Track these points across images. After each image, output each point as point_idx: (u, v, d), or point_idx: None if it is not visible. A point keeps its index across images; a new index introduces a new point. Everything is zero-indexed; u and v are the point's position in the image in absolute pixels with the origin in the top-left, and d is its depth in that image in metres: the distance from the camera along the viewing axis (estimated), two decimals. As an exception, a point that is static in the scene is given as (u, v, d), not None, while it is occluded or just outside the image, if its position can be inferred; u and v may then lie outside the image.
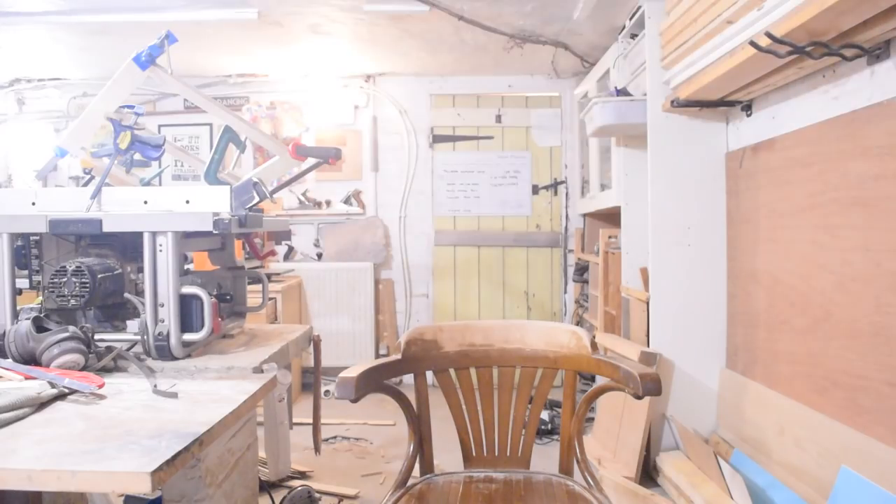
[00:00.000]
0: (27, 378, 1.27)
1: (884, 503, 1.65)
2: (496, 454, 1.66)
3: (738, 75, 2.13)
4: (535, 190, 4.63)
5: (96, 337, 1.49)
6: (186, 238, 1.60)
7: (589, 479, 1.55)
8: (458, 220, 4.69)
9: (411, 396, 1.64)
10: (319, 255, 4.67)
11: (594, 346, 1.63)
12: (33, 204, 1.59)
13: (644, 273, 2.95)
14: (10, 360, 1.37)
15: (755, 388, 2.45)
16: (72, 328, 1.40)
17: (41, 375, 1.27)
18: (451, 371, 1.69)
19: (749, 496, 2.13)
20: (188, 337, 1.54)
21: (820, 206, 2.06)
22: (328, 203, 4.70)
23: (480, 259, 4.67)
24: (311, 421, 2.14)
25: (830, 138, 2.00)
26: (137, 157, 1.85)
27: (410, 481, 1.57)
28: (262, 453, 2.45)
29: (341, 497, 2.65)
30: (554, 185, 4.60)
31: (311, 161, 2.22)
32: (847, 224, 1.92)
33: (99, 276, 1.48)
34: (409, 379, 1.68)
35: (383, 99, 4.68)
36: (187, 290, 1.54)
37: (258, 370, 1.49)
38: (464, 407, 1.66)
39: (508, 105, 4.66)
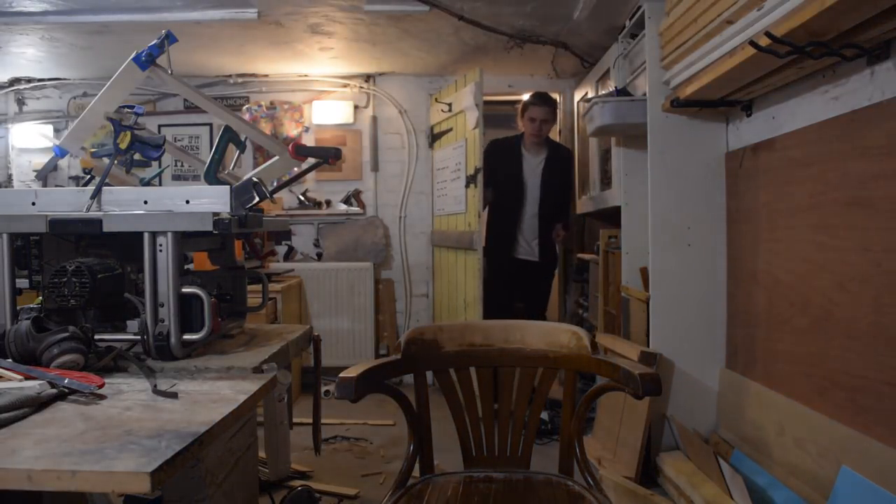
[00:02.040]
0: (27, 378, 1.27)
1: (884, 503, 1.65)
2: (496, 454, 1.66)
3: (738, 75, 2.12)
4: (467, 182, 3.89)
5: (96, 337, 1.49)
6: (186, 238, 1.60)
7: (589, 479, 1.55)
8: (440, 220, 4.47)
9: (411, 396, 1.64)
10: (319, 255, 4.67)
11: (594, 346, 1.63)
12: (33, 204, 1.59)
13: (644, 273, 2.95)
14: (10, 360, 1.37)
15: (755, 388, 2.45)
16: (72, 328, 1.40)
17: (41, 375, 1.27)
18: (452, 371, 1.69)
19: (749, 496, 2.13)
20: (188, 337, 1.54)
21: (820, 206, 2.06)
22: (328, 203, 4.70)
23: (443, 261, 4.31)
24: (311, 421, 2.14)
25: (830, 138, 2.00)
26: (137, 157, 1.85)
27: (410, 481, 1.57)
28: (262, 453, 2.45)
29: (341, 497, 2.64)
30: (474, 176, 3.78)
31: (311, 161, 2.22)
32: (847, 224, 1.92)
33: (99, 276, 1.47)
34: (409, 379, 1.68)
35: (383, 99, 4.68)
36: (187, 290, 1.53)
37: (258, 370, 1.49)
38: (464, 407, 1.66)
39: (461, 87, 4.03)
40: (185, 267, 1.80)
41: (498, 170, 3.96)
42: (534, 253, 3.97)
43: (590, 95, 3.81)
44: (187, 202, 1.57)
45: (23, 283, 1.63)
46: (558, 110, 4.75)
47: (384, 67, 4.51)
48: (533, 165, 3.99)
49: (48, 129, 4.68)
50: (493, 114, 4.61)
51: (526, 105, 3.95)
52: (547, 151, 4.01)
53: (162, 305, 1.51)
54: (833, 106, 2.00)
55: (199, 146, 4.68)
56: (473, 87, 3.81)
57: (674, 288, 2.77)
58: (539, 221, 3.94)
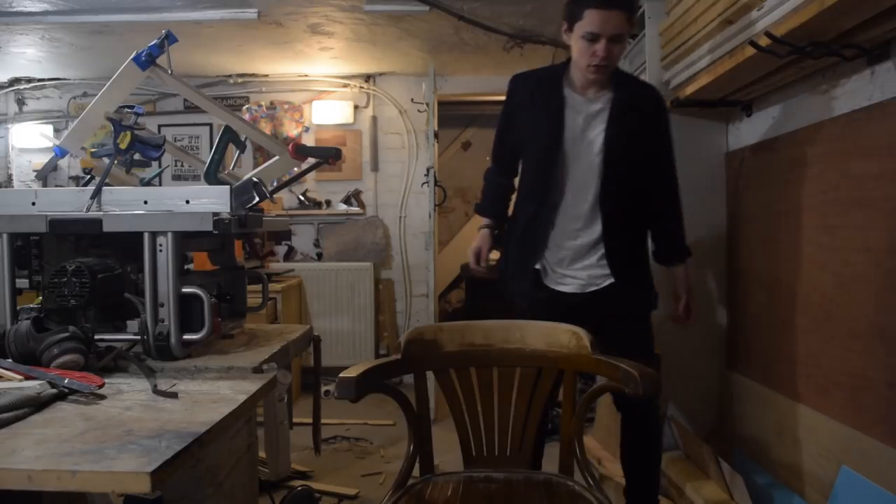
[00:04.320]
0: (27, 378, 1.27)
1: (884, 503, 1.65)
2: (496, 454, 1.66)
3: (738, 75, 2.12)
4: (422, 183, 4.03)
5: (96, 337, 1.49)
6: (186, 238, 1.60)
7: (589, 479, 1.55)
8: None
9: (411, 396, 1.64)
10: (319, 255, 4.67)
11: (594, 345, 1.62)
12: (33, 204, 1.59)
13: (644, 273, 2.95)
14: (10, 360, 1.37)
15: (755, 388, 2.45)
16: (72, 328, 1.40)
17: (41, 375, 1.27)
18: (452, 371, 1.69)
19: (749, 496, 2.13)
20: (188, 337, 1.53)
21: (820, 206, 2.06)
22: (328, 203, 4.70)
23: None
24: (311, 421, 2.14)
25: (830, 138, 2.00)
26: (137, 157, 1.85)
27: (410, 481, 1.57)
28: (262, 453, 2.45)
29: (341, 497, 2.65)
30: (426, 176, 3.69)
31: (311, 161, 2.22)
32: (847, 224, 1.92)
33: (99, 276, 1.47)
34: (409, 379, 1.68)
35: (383, 99, 4.68)
36: (187, 290, 1.53)
37: (258, 370, 1.49)
38: (464, 407, 1.66)
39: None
40: (185, 267, 1.79)
41: (522, 126, 2.11)
42: (593, 279, 2.04)
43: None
44: (187, 202, 1.57)
45: (23, 283, 1.63)
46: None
47: (384, 67, 4.51)
48: (585, 116, 2.01)
49: (48, 129, 4.68)
50: (493, 114, 4.57)
51: (579, 6, 1.98)
52: (613, 90, 2.01)
53: (162, 305, 1.51)
54: (833, 106, 2.00)
55: (199, 146, 4.68)
56: (425, 83, 3.68)
57: (674, 288, 2.76)
58: (605, 219, 2.02)
